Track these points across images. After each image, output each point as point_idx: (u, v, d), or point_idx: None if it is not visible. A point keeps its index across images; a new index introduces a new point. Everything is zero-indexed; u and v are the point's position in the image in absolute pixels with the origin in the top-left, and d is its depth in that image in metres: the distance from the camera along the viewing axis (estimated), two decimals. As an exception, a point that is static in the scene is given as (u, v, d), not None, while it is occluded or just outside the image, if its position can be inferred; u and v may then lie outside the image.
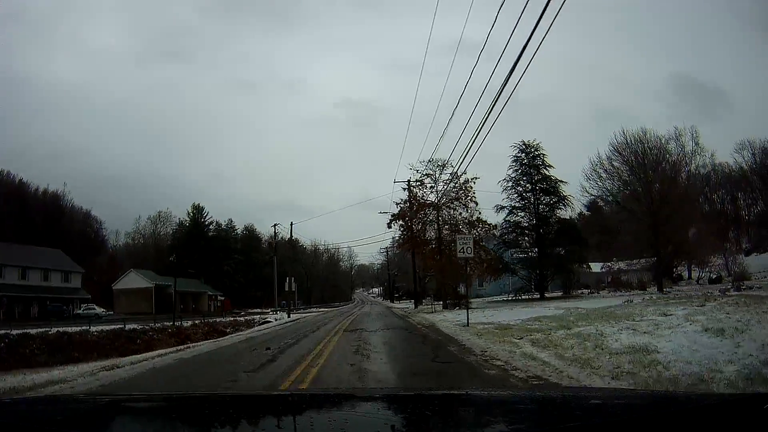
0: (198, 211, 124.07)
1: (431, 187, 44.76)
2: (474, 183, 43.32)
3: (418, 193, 45.36)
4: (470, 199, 43.59)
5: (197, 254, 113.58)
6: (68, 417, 2.59)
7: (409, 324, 27.62)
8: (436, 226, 44.58)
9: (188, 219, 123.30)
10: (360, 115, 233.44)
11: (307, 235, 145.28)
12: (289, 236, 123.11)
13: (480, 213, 44.27)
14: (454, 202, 43.87)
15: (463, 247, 20.99)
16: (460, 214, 43.83)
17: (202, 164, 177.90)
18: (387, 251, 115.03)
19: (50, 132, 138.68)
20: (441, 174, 44.15)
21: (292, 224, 52.79)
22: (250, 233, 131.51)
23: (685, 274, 63.37)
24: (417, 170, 45.17)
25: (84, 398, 4.38)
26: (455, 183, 41.57)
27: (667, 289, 41.58)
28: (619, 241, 51.76)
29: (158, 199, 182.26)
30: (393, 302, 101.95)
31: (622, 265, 57.35)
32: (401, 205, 47.58)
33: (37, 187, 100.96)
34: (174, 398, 3.60)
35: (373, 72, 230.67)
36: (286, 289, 47.25)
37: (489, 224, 45.66)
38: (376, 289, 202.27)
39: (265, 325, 35.14)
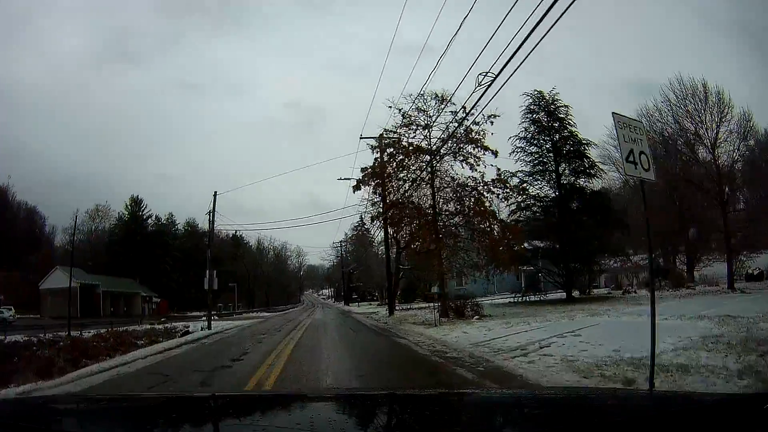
0: (136, 204, 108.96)
1: (426, 126, 27.22)
2: (492, 123, 26.18)
3: (403, 139, 28.15)
4: (483, 148, 26.41)
5: (133, 251, 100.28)
6: (67, 417, 2.56)
7: (425, 360, 12.68)
8: (429, 191, 27.29)
9: (126, 213, 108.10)
10: (309, 117, 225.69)
11: (253, 235, 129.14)
12: (232, 234, 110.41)
13: (500, 171, 27.71)
14: (466, 147, 26.63)
15: (631, 152, 6.77)
16: (472, 168, 26.88)
17: (148, 164, 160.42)
18: (341, 244, 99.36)
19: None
20: (440, 112, 26.78)
21: (215, 195, 35.34)
22: (193, 229, 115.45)
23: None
24: (400, 109, 28.22)
25: (83, 398, 4.30)
26: (458, 116, 23.33)
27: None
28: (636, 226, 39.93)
29: (102, 197, 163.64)
30: (349, 305, 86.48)
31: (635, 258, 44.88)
32: (378, 151, 30.14)
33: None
34: (174, 399, 3.49)
35: (322, 73, 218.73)
36: (206, 287, 32.00)
37: (512, 187, 29.19)
38: (326, 291, 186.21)
39: (175, 342, 21.80)
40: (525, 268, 37.08)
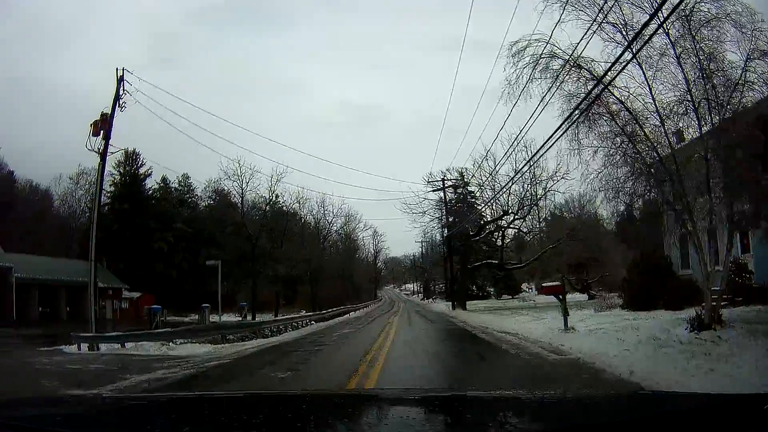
0: (130, 160, 66.09)
1: None
2: None
3: None
4: None
5: (119, 224, 58.89)
6: (68, 417, 2.35)
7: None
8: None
9: (116, 173, 65.33)
10: (365, 116, 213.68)
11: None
12: (273, 197, 65.66)
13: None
14: None
15: None
16: None
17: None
18: (443, 177, 49.28)
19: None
20: None
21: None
22: (223, 199, 69.44)
23: None
24: None
25: (84, 398, 4.12)
26: None
27: None
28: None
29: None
30: (466, 308, 38.69)
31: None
32: None
33: None
34: (175, 399, 3.31)
35: (373, 73, 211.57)
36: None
37: None
38: (410, 285, 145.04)
39: None
40: None
